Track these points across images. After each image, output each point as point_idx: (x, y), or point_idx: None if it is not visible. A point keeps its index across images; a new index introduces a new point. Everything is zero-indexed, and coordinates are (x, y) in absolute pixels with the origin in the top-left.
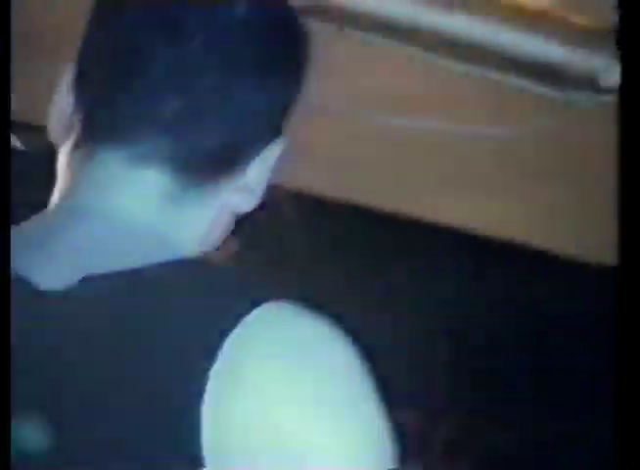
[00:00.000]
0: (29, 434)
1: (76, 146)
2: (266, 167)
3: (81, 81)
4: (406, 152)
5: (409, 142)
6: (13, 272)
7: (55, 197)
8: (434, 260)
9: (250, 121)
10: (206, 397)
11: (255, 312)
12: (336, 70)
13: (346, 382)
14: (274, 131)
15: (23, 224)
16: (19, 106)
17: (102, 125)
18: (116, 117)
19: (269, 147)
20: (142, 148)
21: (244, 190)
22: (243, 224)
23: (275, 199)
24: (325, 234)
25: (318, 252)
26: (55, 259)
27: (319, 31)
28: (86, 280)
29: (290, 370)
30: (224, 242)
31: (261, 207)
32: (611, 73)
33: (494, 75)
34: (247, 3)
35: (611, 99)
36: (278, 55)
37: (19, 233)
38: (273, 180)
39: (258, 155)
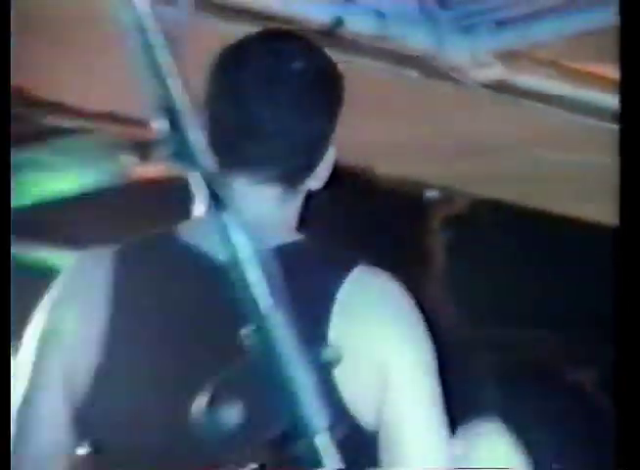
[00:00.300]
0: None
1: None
2: (329, 162)
3: (210, 127)
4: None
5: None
6: (197, 249)
7: (202, 202)
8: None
9: (321, 143)
10: (331, 330)
11: (354, 272)
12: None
13: (408, 315)
14: (331, 142)
15: (195, 220)
16: None
17: (232, 160)
18: (242, 155)
19: (329, 151)
20: (260, 174)
21: (316, 178)
22: None
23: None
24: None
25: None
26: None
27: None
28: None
29: (379, 308)
30: None
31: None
32: None
33: (595, 122)
34: (304, 65)
35: None
36: (334, 99)
37: (197, 225)
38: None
39: (324, 158)
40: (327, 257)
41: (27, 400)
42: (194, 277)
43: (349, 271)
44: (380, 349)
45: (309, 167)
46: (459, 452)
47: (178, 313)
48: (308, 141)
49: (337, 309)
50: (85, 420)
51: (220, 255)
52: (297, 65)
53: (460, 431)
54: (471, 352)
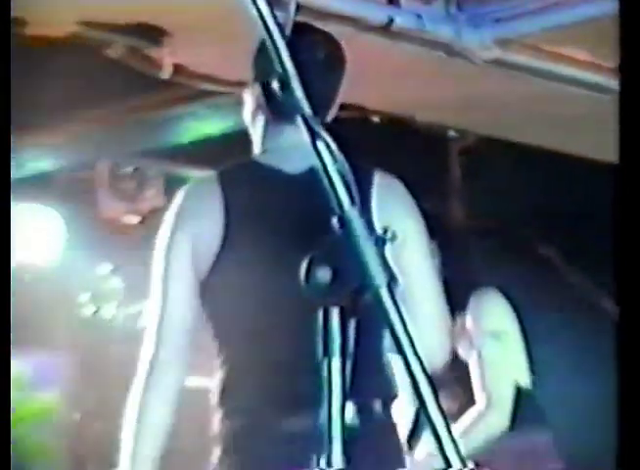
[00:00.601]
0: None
1: (267, 121)
2: (336, 108)
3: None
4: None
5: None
6: (275, 167)
7: (260, 137)
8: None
9: (335, 97)
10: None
11: (376, 178)
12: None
13: (414, 204)
14: (338, 96)
15: (261, 152)
16: None
17: (282, 111)
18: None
19: (337, 101)
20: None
21: (330, 115)
22: None
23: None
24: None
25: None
26: (289, 160)
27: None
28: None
29: (399, 201)
30: None
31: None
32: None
33: (564, 86)
34: (325, 50)
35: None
36: (343, 67)
37: (268, 153)
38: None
39: (334, 105)
40: (353, 166)
41: (165, 277)
42: (275, 185)
43: (373, 177)
44: (401, 226)
45: (329, 111)
46: (469, 321)
47: (273, 211)
48: (328, 97)
49: (374, 205)
50: (209, 290)
51: (291, 169)
52: (321, 53)
53: (471, 299)
54: (475, 237)
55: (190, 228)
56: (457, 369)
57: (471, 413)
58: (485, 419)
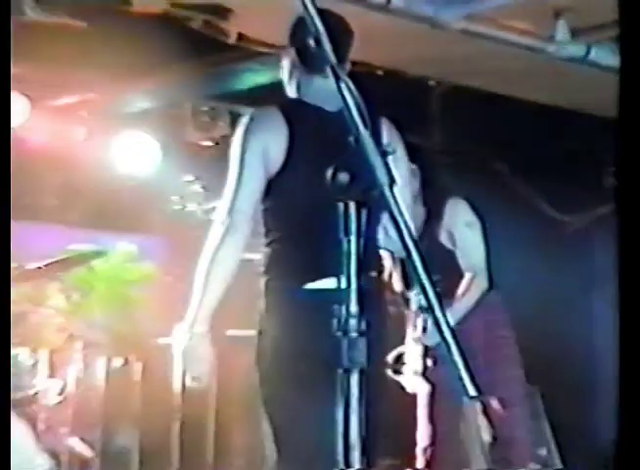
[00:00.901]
0: None
1: (301, 73)
2: (349, 60)
3: (299, 55)
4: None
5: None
6: (313, 102)
7: (296, 86)
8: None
9: (348, 54)
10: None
11: (383, 122)
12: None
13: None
14: (349, 55)
15: (300, 94)
16: None
17: (313, 64)
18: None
19: (350, 53)
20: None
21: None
22: None
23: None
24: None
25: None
26: (324, 100)
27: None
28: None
29: (395, 131)
30: None
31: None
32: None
33: (516, 49)
34: (339, 24)
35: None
36: (349, 34)
37: (308, 93)
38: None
39: (349, 58)
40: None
41: (242, 161)
42: (320, 118)
43: (381, 120)
44: (398, 148)
45: (345, 65)
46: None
47: (314, 131)
48: (344, 55)
49: (383, 134)
50: (274, 187)
51: (327, 105)
52: (338, 25)
53: (446, 205)
54: (447, 160)
55: (261, 134)
56: (445, 258)
57: (463, 283)
58: (475, 283)
